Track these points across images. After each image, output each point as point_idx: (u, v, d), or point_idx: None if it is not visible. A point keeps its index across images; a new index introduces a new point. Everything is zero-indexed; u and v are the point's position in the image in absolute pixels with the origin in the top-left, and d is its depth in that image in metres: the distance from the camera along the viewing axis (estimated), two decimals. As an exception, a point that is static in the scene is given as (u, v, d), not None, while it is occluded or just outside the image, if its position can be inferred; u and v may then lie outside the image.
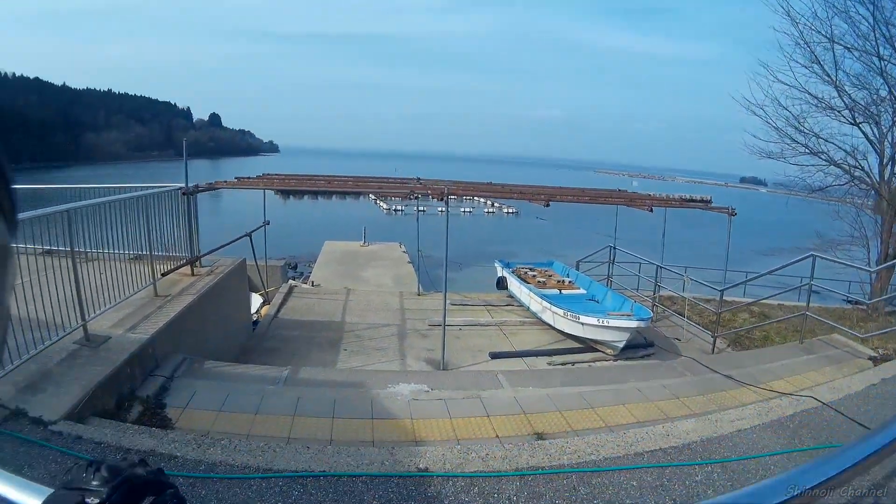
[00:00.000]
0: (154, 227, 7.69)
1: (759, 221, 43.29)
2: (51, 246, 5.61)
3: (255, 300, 13.03)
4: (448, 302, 9.50)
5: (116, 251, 7.18)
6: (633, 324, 9.17)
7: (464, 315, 11.63)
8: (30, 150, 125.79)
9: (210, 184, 10.14)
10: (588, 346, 9.84)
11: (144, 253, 7.50)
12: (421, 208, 17.62)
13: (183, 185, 8.68)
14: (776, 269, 9.74)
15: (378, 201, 47.54)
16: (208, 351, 7.73)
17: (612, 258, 13.05)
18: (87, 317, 5.65)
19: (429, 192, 11.03)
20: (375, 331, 10.66)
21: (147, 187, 8.42)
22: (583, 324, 9.57)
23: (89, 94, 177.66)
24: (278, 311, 11.94)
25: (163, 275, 7.75)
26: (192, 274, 8.60)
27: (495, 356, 9.40)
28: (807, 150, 12.82)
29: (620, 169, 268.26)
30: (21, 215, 4.26)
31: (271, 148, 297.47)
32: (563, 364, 9.15)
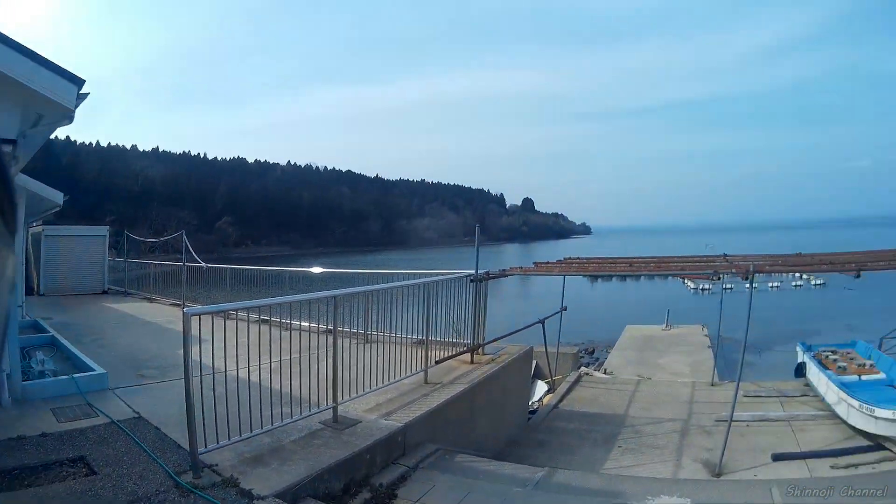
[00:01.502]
0: (434, 313, 7.79)
1: None
2: (326, 325, 5.96)
3: (540, 388, 12.70)
4: (741, 393, 8.31)
5: (399, 335, 7.52)
6: None
7: (754, 408, 10.36)
8: (339, 237, 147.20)
9: (503, 270, 10.28)
10: (876, 443, 8.37)
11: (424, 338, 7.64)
12: (728, 286, 15.89)
13: (473, 271, 8.80)
14: None
15: (685, 280, 45.05)
16: (473, 441, 7.45)
17: None
18: (338, 399, 5.79)
19: (733, 270, 9.81)
20: (657, 426, 9.70)
21: (432, 274, 8.76)
22: (877, 417, 8.22)
23: (402, 184, 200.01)
24: (561, 400, 11.49)
25: (437, 362, 7.77)
26: (472, 362, 8.51)
27: (777, 458, 8.25)
28: None
29: None
30: (295, 297, 4.56)
31: (584, 230, 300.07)
32: (846, 466, 7.82)
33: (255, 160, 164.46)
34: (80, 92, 5.51)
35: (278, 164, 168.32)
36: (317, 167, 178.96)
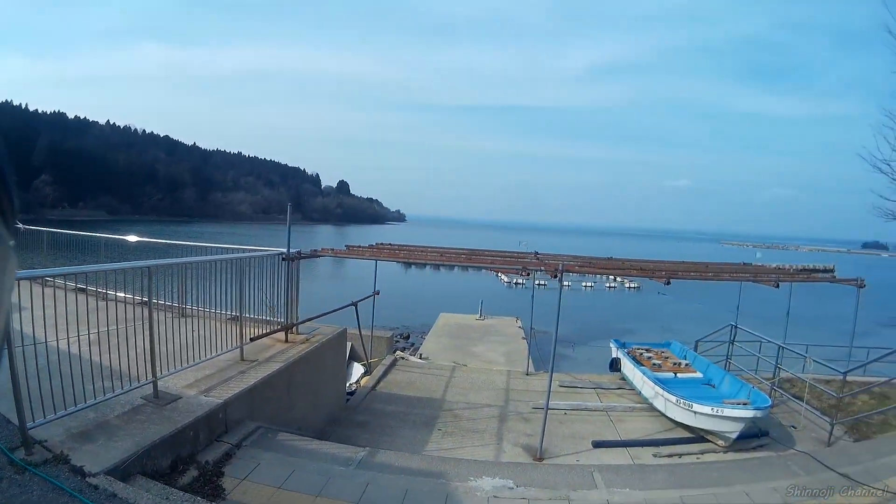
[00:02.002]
0: (248, 290, 7.66)
1: (880, 287, 39.33)
2: (142, 297, 5.64)
3: (357, 370, 12.83)
4: (556, 383, 9.01)
5: (214, 311, 7.24)
6: (750, 413, 8.44)
7: (571, 398, 11.00)
8: (155, 204, 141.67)
9: (315, 251, 10.17)
10: (698, 435, 9.13)
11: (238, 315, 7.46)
12: (541, 282, 17.14)
13: (285, 250, 8.67)
14: None
15: (499, 274, 47.63)
16: (292, 419, 7.51)
17: (732, 338, 12.34)
18: (158, 373, 5.58)
19: (543, 268, 10.52)
20: (475, 411, 10.18)
21: (246, 250, 8.51)
22: (695, 412, 8.92)
23: (219, 154, 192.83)
24: (378, 382, 11.70)
25: (251, 339, 7.67)
26: (286, 341, 8.51)
27: (598, 445, 8.78)
28: None
29: (744, 239, 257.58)
30: (111, 266, 4.25)
31: (398, 217, 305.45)
32: (669, 456, 8.43)
33: (76, 116, 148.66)
34: None
35: (97, 122, 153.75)
36: (136, 129, 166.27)
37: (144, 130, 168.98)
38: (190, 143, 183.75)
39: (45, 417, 4.41)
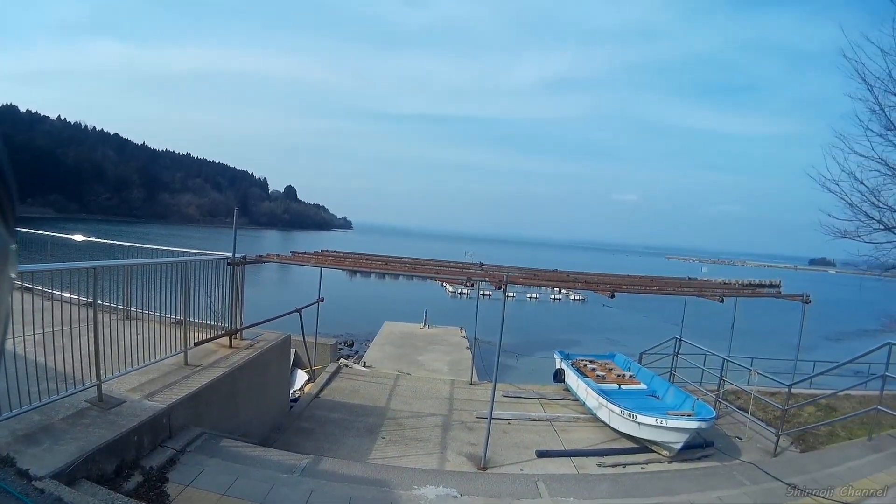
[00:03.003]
0: (193, 294, 7.58)
1: (826, 303, 41.23)
2: (87, 298, 5.56)
3: (300, 377, 12.77)
4: (500, 393, 9.09)
5: (158, 314, 7.15)
6: (694, 425, 8.56)
7: (515, 408, 11.13)
8: (103, 203, 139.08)
9: (260, 256, 10.11)
10: (643, 445, 9.24)
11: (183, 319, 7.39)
12: (486, 293, 17.33)
13: (230, 254, 8.61)
14: (850, 361, 9.08)
15: (444, 284, 47.70)
16: (236, 426, 7.47)
17: (676, 350, 12.61)
18: (102, 377, 5.50)
19: (487, 278, 10.69)
20: (419, 420, 10.23)
21: (192, 253, 8.43)
22: (639, 423, 9.01)
23: (168, 155, 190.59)
24: (321, 390, 11.69)
25: (195, 344, 7.59)
26: (230, 346, 8.44)
27: (542, 454, 8.85)
28: (882, 227, 11.92)
29: (690, 254, 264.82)
30: (57, 266, 4.22)
31: (345, 224, 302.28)
32: (613, 465, 8.55)
33: (27, 110, 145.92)
34: None
35: (48, 117, 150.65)
36: (86, 126, 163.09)
37: (95, 127, 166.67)
38: (139, 142, 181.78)
39: (-11, 419, 4.27)
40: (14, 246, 0.77)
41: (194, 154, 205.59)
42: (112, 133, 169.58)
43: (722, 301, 10.60)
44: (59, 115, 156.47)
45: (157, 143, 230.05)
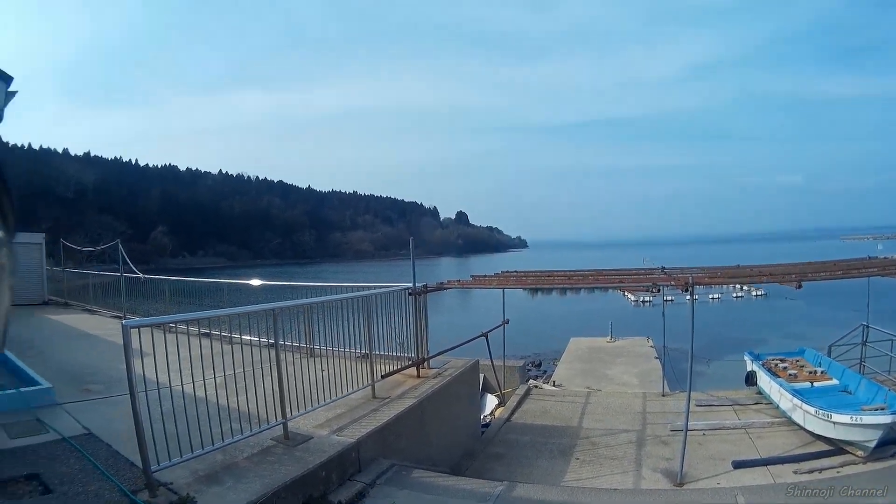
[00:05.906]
0: (377, 327, 7.77)
1: None
2: (268, 339, 5.89)
3: (490, 402, 12.75)
4: (693, 403, 8.46)
5: (343, 349, 7.45)
6: (888, 419, 7.74)
7: (708, 417, 10.57)
8: (274, 248, 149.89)
9: (441, 283, 10.24)
10: (837, 447, 8.53)
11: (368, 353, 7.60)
12: (669, 298, 16.38)
13: (410, 284, 8.77)
14: None
15: (626, 293, 46.01)
16: (426, 455, 7.45)
17: (864, 338, 11.56)
18: (287, 414, 5.72)
19: (672, 282, 10.01)
20: (612, 437, 9.81)
21: (372, 287, 8.71)
22: (835, 423, 8.31)
23: (334, 195, 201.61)
24: (512, 413, 11.57)
25: (383, 376, 7.75)
26: (418, 376, 8.52)
27: (738, 465, 8.31)
28: None
29: (866, 232, 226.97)
30: (236, 310, 4.50)
31: (520, 243, 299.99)
32: (809, 472, 7.93)
33: (187, 168, 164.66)
34: (9, 90, 5.30)
35: (209, 172, 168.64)
36: (248, 177, 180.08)
37: (258, 177, 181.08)
38: (304, 186, 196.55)
39: (170, 460, 4.54)
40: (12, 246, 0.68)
41: (361, 191, 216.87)
42: (276, 181, 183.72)
43: None
44: (220, 169, 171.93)
45: (321, 185, 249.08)
